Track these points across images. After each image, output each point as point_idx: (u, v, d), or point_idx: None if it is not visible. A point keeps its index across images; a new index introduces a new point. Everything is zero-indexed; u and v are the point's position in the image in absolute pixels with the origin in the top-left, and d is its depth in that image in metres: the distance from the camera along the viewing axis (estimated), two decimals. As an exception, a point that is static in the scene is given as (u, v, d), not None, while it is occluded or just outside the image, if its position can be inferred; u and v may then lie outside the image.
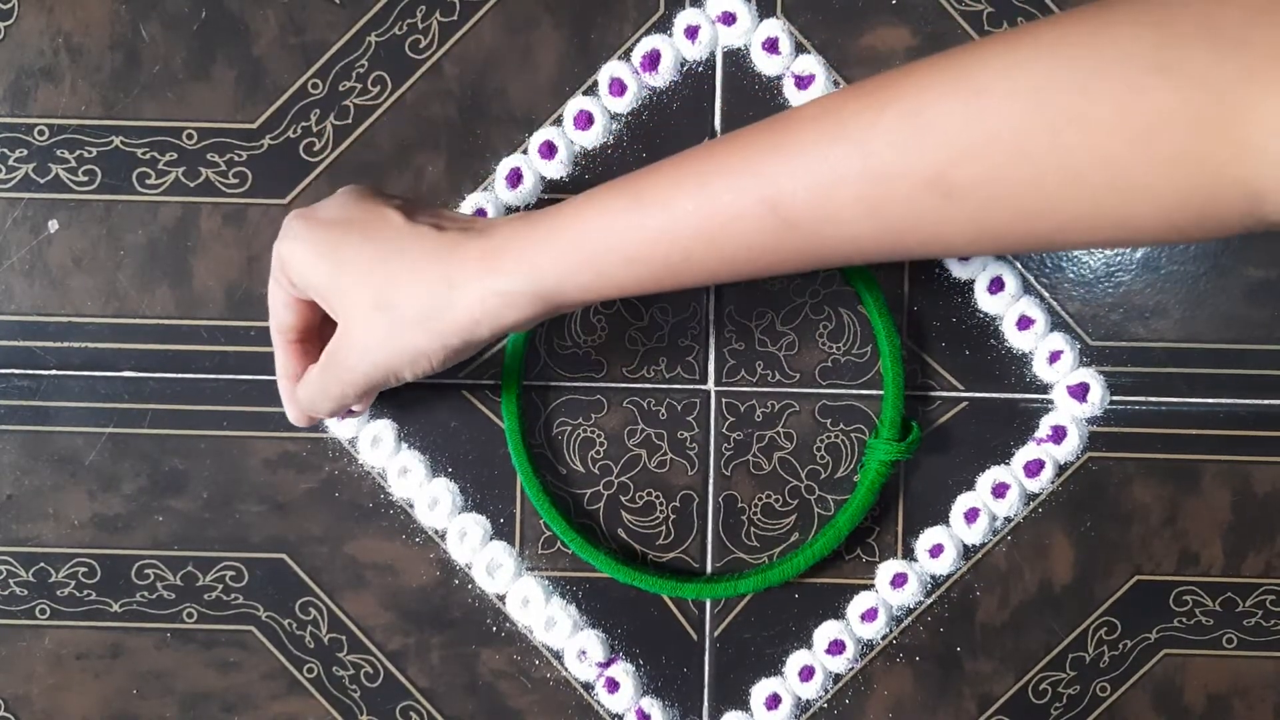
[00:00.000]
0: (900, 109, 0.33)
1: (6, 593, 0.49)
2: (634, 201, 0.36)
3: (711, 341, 0.49)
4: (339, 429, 0.49)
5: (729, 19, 0.48)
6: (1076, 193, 0.31)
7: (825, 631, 0.49)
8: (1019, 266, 0.49)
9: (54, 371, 0.49)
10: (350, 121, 0.48)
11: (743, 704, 0.50)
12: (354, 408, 0.45)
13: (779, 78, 0.49)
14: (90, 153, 0.48)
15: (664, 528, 0.49)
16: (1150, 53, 0.30)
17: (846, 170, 0.33)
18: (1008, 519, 0.49)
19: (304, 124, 0.48)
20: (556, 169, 0.48)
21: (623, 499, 0.49)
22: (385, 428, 0.49)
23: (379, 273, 0.38)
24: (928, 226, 0.33)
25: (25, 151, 0.48)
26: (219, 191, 0.48)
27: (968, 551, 0.49)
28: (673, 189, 0.36)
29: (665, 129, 0.48)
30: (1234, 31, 0.29)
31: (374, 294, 0.38)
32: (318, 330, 0.43)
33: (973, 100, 0.31)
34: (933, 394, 0.49)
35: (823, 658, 0.49)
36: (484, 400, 0.49)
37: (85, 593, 0.49)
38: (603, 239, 0.36)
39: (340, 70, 0.48)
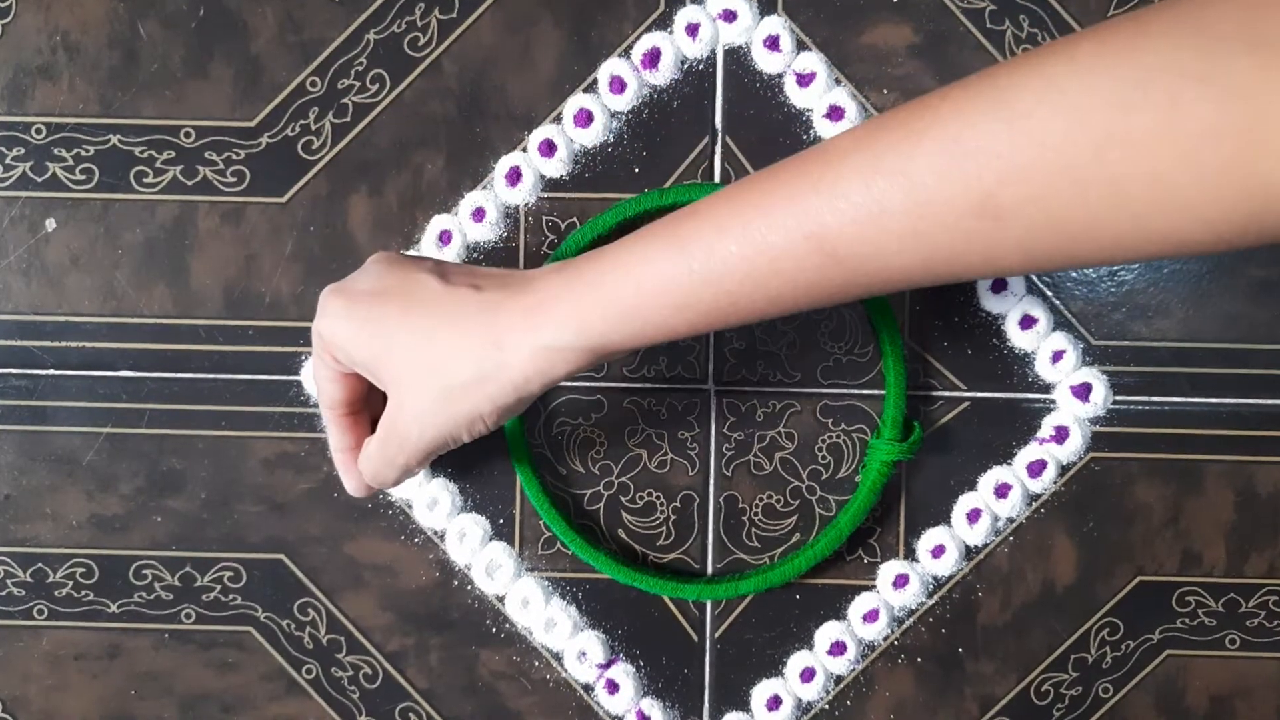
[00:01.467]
0: (939, 135, 0.32)
1: (4, 593, 0.49)
2: (677, 248, 0.36)
3: (711, 341, 0.49)
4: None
5: (730, 16, 0.48)
6: (1123, 209, 0.31)
7: (826, 632, 0.49)
8: (1021, 265, 0.49)
9: (51, 371, 0.48)
10: (349, 119, 0.48)
11: (743, 705, 0.49)
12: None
13: (780, 75, 0.48)
14: (88, 151, 0.48)
15: (664, 528, 0.49)
16: (1191, 62, 0.29)
17: (890, 202, 0.33)
18: (1010, 519, 0.49)
19: (302, 122, 0.48)
20: (556, 167, 0.48)
21: (623, 499, 0.49)
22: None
23: (424, 341, 0.38)
24: (975, 251, 0.33)
25: (22, 150, 0.48)
26: (217, 190, 0.48)
27: (970, 552, 0.49)
28: (715, 233, 0.35)
29: (666, 127, 0.48)
30: (1276, 36, 0.28)
31: (423, 363, 0.38)
32: (365, 400, 0.43)
33: (1014, 123, 0.31)
34: (935, 394, 0.49)
35: (824, 659, 0.49)
36: (483, 400, 0.49)
37: (83, 593, 0.49)
38: (648, 288, 0.36)
39: (339, 68, 0.48)
